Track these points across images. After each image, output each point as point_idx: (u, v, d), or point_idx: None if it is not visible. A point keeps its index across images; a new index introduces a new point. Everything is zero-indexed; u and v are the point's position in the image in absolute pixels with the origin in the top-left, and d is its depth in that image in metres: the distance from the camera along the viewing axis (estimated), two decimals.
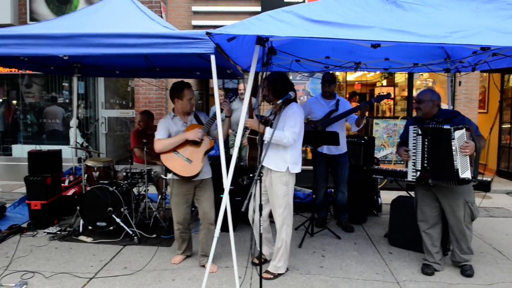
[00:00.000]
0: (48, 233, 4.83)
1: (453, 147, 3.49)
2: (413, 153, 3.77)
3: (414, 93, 7.91)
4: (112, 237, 4.64)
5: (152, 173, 5.17)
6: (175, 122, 3.86)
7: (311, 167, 5.19)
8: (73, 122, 6.41)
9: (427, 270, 3.84)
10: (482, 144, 3.63)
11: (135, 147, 5.34)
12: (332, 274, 3.84)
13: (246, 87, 3.21)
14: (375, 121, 7.96)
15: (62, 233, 4.81)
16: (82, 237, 4.68)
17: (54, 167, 5.37)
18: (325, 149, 5.07)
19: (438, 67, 4.99)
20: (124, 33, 3.17)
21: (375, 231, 5.12)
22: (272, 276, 3.70)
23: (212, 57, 3.13)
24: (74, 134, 6.18)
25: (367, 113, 4.98)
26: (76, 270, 3.84)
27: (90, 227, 4.72)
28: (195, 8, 7.78)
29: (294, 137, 3.55)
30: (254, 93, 3.67)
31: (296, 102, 3.74)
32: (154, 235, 4.76)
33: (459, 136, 3.49)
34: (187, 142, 3.76)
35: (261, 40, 3.10)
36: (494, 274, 3.88)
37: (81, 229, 4.82)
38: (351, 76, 8.87)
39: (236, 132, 5.43)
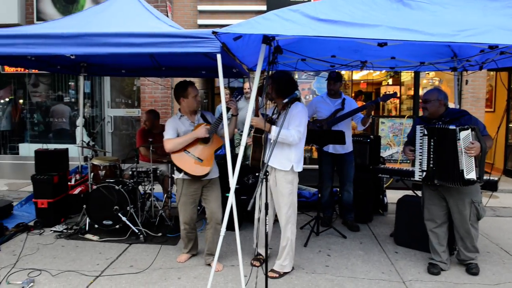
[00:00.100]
0: (55, 231, 4.86)
1: (459, 148, 3.47)
2: (420, 153, 3.76)
3: (421, 92, 7.87)
4: (118, 235, 4.67)
5: (158, 172, 5.19)
6: (182, 122, 3.87)
7: (316, 166, 5.19)
8: (80, 121, 6.45)
9: (433, 269, 3.82)
10: (489, 144, 3.60)
11: (141, 146, 5.36)
12: (337, 273, 3.83)
13: (252, 86, 3.21)
14: (381, 120, 7.93)
15: (69, 231, 4.84)
16: (88, 236, 4.71)
17: (60, 166, 5.40)
18: (331, 148, 5.07)
19: (445, 66, 4.96)
20: (130, 33, 3.18)
21: (381, 231, 5.10)
22: (277, 275, 3.71)
23: (218, 56, 3.12)
24: (80, 133, 6.21)
25: (373, 112, 4.96)
26: (83, 268, 3.87)
27: (96, 226, 4.75)
28: (201, 7, 7.79)
29: (300, 136, 3.57)
30: (260, 92, 3.67)
31: (300, 101, 3.74)
32: (160, 234, 4.77)
33: (465, 136, 3.47)
34: (197, 141, 3.77)
35: (267, 39, 3.09)
36: (501, 274, 3.86)
37: (87, 228, 4.84)
38: (357, 75, 8.84)
39: (241, 131, 5.45)
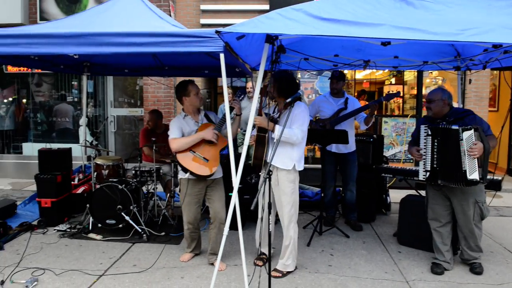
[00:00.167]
0: (58, 230, 4.88)
1: (461, 148, 3.46)
2: (424, 152, 3.75)
3: (424, 91, 7.84)
4: (121, 234, 4.67)
5: (161, 172, 5.20)
6: (187, 121, 3.87)
7: (319, 166, 5.18)
8: (83, 121, 6.46)
9: (437, 269, 3.81)
10: (492, 144, 3.59)
11: (144, 145, 5.37)
12: (340, 273, 3.83)
13: (255, 86, 3.21)
14: (384, 119, 7.91)
15: (72, 230, 4.85)
16: (91, 235, 4.72)
17: (64, 165, 5.42)
18: (333, 147, 5.06)
19: (448, 65, 4.94)
20: (133, 32, 3.19)
21: (384, 230, 5.09)
22: (280, 275, 3.71)
23: (222, 56, 3.12)
24: (83, 133, 6.22)
25: (376, 112, 4.95)
26: (86, 267, 3.88)
27: (99, 225, 4.75)
28: (203, 6, 7.79)
29: (303, 135, 3.59)
30: (266, 92, 3.70)
31: (302, 100, 3.76)
32: (163, 233, 4.78)
33: (467, 137, 3.45)
34: (202, 141, 3.77)
35: (270, 38, 3.09)
36: (505, 273, 3.85)
37: (90, 227, 4.85)
38: (360, 74, 8.82)
39: (244, 131, 5.46)
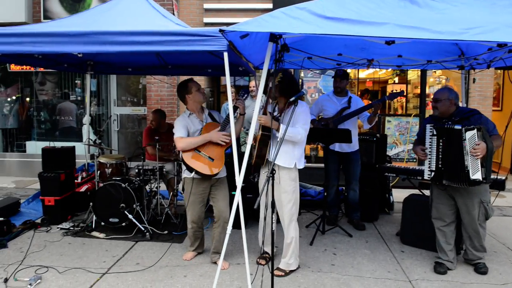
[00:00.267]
0: (62, 228, 4.90)
1: (464, 148, 3.46)
2: (429, 152, 3.75)
3: (427, 91, 7.82)
4: (125, 233, 4.69)
5: (164, 170, 5.20)
6: (192, 120, 3.88)
7: (322, 165, 5.18)
8: (86, 119, 6.47)
9: (440, 268, 3.81)
10: (496, 143, 3.58)
11: (147, 144, 5.38)
12: (343, 272, 3.83)
13: (259, 84, 3.21)
14: (387, 118, 7.89)
15: (75, 228, 4.87)
16: (94, 233, 4.73)
17: (67, 164, 5.43)
18: (337, 146, 5.06)
19: (452, 64, 4.93)
20: (137, 31, 3.19)
21: (387, 229, 5.08)
22: (283, 273, 3.71)
23: (225, 55, 3.13)
24: (87, 131, 6.24)
25: (379, 111, 4.94)
26: (89, 265, 3.89)
27: (102, 223, 4.77)
28: (206, 5, 7.79)
29: (306, 134, 3.62)
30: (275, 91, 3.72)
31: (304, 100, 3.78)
32: (166, 232, 4.79)
33: (470, 136, 3.45)
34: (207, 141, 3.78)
35: (274, 37, 3.09)
36: (508, 273, 3.83)
37: (93, 225, 4.86)
38: (363, 74, 8.80)
39: (247, 130, 5.45)
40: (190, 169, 3.71)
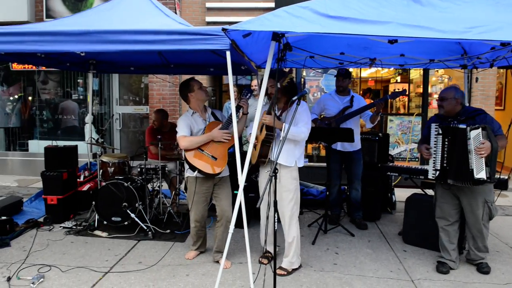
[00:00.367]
0: (64, 227, 4.91)
1: (469, 147, 3.45)
2: (434, 151, 3.74)
3: (430, 90, 7.81)
4: (127, 232, 4.69)
5: (166, 169, 5.21)
6: (195, 119, 3.88)
7: (324, 164, 5.17)
8: (88, 118, 6.48)
9: (442, 268, 3.80)
10: (501, 143, 3.57)
11: (151, 143, 5.38)
12: (346, 271, 3.82)
13: (262, 84, 3.20)
14: (389, 118, 7.88)
15: (78, 227, 4.88)
16: (97, 232, 4.74)
17: (70, 163, 5.44)
18: (339, 146, 5.06)
19: (455, 63, 4.91)
20: (140, 30, 3.19)
21: (389, 229, 5.08)
22: (286, 272, 3.71)
23: (228, 54, 3.12)
24: (89, 130, 6.24)
25: (381, 110, 4.93)
26: (92, 264, 3.89)
27: (105, 222, 4.77)
28: (209, 4, 7.78)
29: (308, 132, 3.65)
30: (284, 92, 3.76)
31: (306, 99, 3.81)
32: (168, 231, 4.79)
33: (475, 136, 3.44)
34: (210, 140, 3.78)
35: (277, 36, 3.08)
36: (511, 273, 3.83)
37: (96, 224, 4.87)
38: (365, 73, 8.80)
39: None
40: (193, 168, 3.71)
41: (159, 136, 4.97)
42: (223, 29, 2.96)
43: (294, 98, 3.42)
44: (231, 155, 3.93)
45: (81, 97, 8.57)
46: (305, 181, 6.35)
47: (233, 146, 3.75)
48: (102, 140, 6.04)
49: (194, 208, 3.87)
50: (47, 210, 5.15)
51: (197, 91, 3.85)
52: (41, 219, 5.09)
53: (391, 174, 5.40)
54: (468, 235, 3.88)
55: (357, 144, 5.06)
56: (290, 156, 3.68)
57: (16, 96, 8.77)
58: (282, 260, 3.81)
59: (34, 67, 8.11)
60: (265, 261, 3.91)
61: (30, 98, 8.70)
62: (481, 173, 3.44)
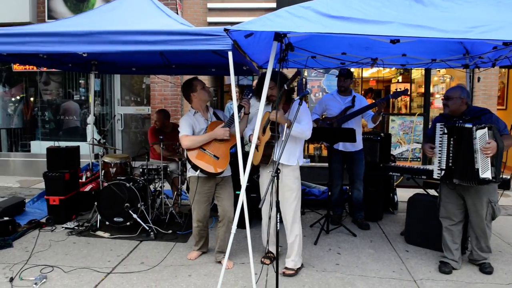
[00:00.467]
0: (66, 228, 4.91)
1: (475, 147, 3.45)
2: (439, 151, 3.73)
3: (431, 90, 7.80)
4: (129, 232, 4.69)
5: (168, 169, 5.21)
6: (197, 118, 3.88)
7: (326, 164, 5.17)
8: (90, 119, 6.48)
9: (445, 268, 3.79)
10: (507, 143, 3.57)
11: (154, 143, 5.39)
12: (348, 271, 3.82)
13: (264, 83, 3.20)
14: (391, 118, 7.88)
15: (80, 228, 4.88)
16: (99, 232, 4.74)
17: (72, 163, 5.44)
18: (340, 146, 5.05)
19: (457, 63, 4.91)
20: (142, 30, 3.19)
21: (391, 229, 5.07)
22: (293, 271, 3.71)
23: (230, 54, 3.12)
24: (91, 131, 6.25)
25: (383, 110, 4.93)
26: (94, 264, 3.90)
27: (107, 223, 4.78)
28: (210, 5, 7.79)
29: (311, 131, 3.67)
30: (292, 92, 3.79)
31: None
32: (170, 231, 4.80)
33: (481, 135, 3.43)
34: (213, 139, 3.78)
35: (279, 36, 3.08)
36: None
37: (98, 225, 4.87)
38: (366, 73, 8.78)
39: (251, 129, 5.44)
40: (195, 168, 3.71)
41: (161, 137, 4.97)
42: (225, 30, 2.96)
43: (296, 98, 3.43)
44: (233, 156, 3.93)
45: (83, 97, 8.59)
46: (307, 181, 6.35)
47: (235, 146, 3.75)
48: (104, 140, 6.04)
49: (196, 208, 3.87)
50: (49, 210, 5.16)
51: (200, 91, 3.85)
52: (43, 220, 5.10)
53: (393, 174, 5.39)
54: (471, 236, 3.88)
55: (359, 144, 5.06)
56: (292, 155, 3.70)
57: (18, 97, 8.79)
58: (284, 260, 3.81)
59: (35, 68, 8.12)
60: (267, 261, 3.91)
61: (32, 99, 8.72)
62: (486, 173, 3.43)
